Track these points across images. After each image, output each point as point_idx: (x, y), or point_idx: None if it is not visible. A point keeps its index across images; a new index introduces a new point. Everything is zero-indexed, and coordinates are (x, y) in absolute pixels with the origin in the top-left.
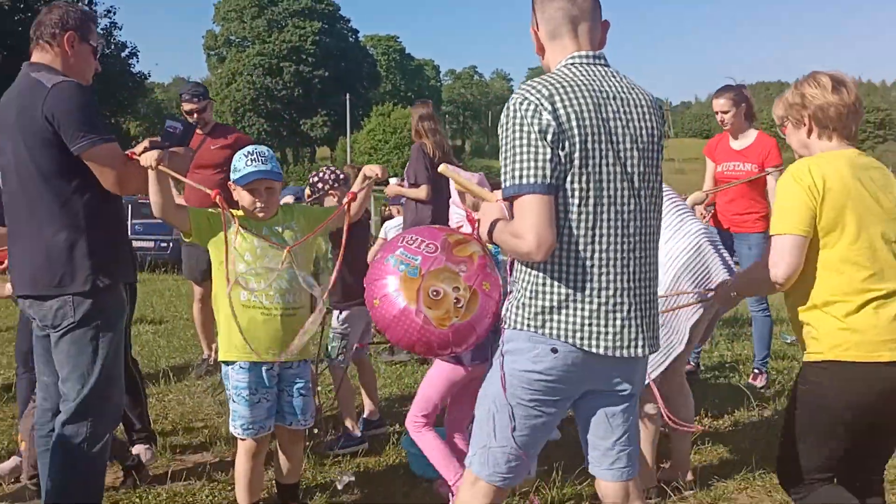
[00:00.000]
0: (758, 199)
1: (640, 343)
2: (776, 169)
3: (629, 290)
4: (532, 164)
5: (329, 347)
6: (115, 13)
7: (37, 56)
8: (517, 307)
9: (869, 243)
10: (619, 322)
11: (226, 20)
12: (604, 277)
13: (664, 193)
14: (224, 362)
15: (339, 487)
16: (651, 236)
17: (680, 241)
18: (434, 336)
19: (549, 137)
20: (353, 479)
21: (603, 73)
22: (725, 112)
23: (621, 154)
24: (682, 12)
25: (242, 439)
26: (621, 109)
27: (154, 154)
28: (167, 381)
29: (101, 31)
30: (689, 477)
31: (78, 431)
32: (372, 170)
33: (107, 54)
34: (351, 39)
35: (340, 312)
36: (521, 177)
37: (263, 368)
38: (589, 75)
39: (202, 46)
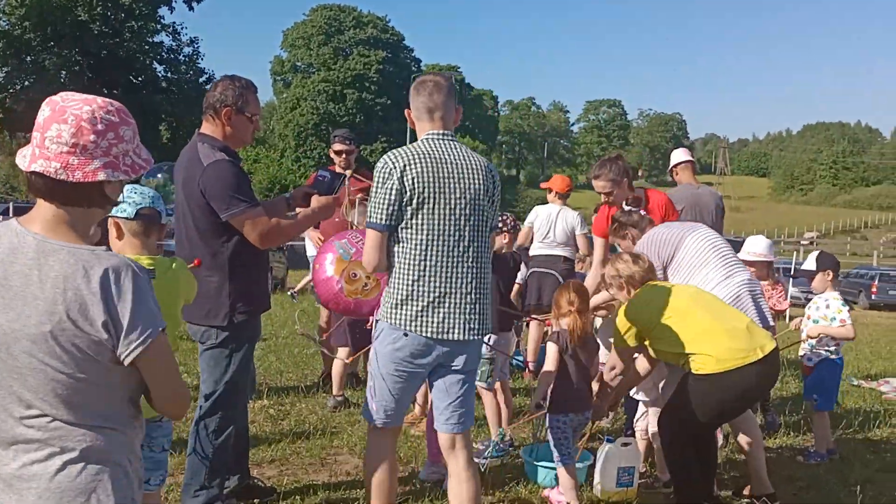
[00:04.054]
0: None
1: (458, 331)
2: None
3: (450, 294)
4: (378, 208)
5: (479, 371)
6: (199, 44)
7: (204, 127)
8: (382, 304)
9: None
10: (441, 315)
11: (293, 47)
12: (431, 283)
13: (716, 248)
14: None
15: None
16: (475, 258)
17: (724, 290)
18: (342, 300)
19: (393, 192)
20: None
21: (446, 145)
22: (609, 193)
23: (451, 201)
24: (739, 53)
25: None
26: (455, 171)
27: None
28: (289, 394)
29: (185, 59)
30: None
31: (208, 424)
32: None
33: (189, 80)
34: (413, 68)
35: (490, 337)
36: (371, 215)
37: None
38: (434, 147)
39: (269, 71)
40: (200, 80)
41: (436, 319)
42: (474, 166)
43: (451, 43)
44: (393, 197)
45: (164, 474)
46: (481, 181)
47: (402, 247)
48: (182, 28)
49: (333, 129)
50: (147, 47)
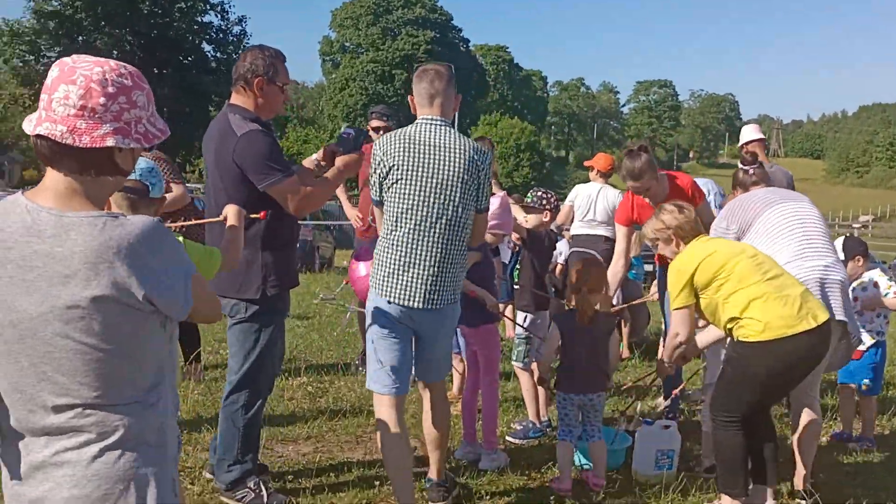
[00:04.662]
0: None
1: (418, 299)
2: None
3: (413, 264)
4: (375, 186)
5: (515, 351)
6: (246, 23)
7: (234, 98)
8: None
9: None
10: (403, 282)
11: (342, 27)
12: (397, 252)
13: (802, 224)
14: None
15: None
16: (441, 234)
17: (791, 271)
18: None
19: (379, 170)
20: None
21: (434, 129)
22: (647, 190)
23: (422, 180)
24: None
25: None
26: (431, 153)
27: (234, 212)
28: (329, 372)
29: (233, 39)
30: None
31: (238, 399)
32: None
33: (238, 60)
34: (462, 49)
35: (526, 317)
36: (373, 193)
37: None
38: (420, 130)
39: (318, 52)
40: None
41: (399, 286)
42: (456, 150)
43: (500, 23)
44: (377, 174)
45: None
46: (459, 164)
47: (383, 219)
48: (230, 7)
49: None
50: (196, 27)
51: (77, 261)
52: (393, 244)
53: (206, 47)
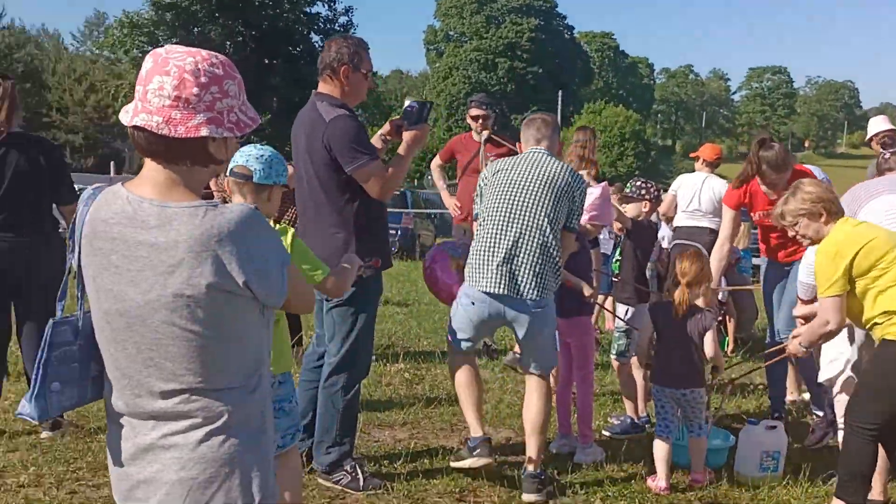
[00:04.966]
0: None
1: (502, 286)
2: None
3: (502, 252)
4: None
5: (615, 344)
6: (353, 13)
7: (321, 87)
8: None
9: None
10: (491, 272)
11: (446, 16)
12: (485, 242)
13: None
14: None
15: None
16: (530, 225)
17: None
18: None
19: (479, 182)
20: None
21: (533, 155)
22: (784, 183)
23: (506, 192)
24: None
25: None
26: (525, 171)
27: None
28: (426, 360)
29: (340, 29)
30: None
31: (337, 381)
32: None
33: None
34: (566, 36)
35: (627, 310)
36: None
37: None
38: (522, 156)
39: (422, 41)
40: None
41: (485, 275)
42: (543, 169)
43: (606, 9)
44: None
45: (294, 430)
46: (544, 181)
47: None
48: None
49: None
50: (304, 17)
51: (181, 250)
52: (482, 237)
53: (315, 38)
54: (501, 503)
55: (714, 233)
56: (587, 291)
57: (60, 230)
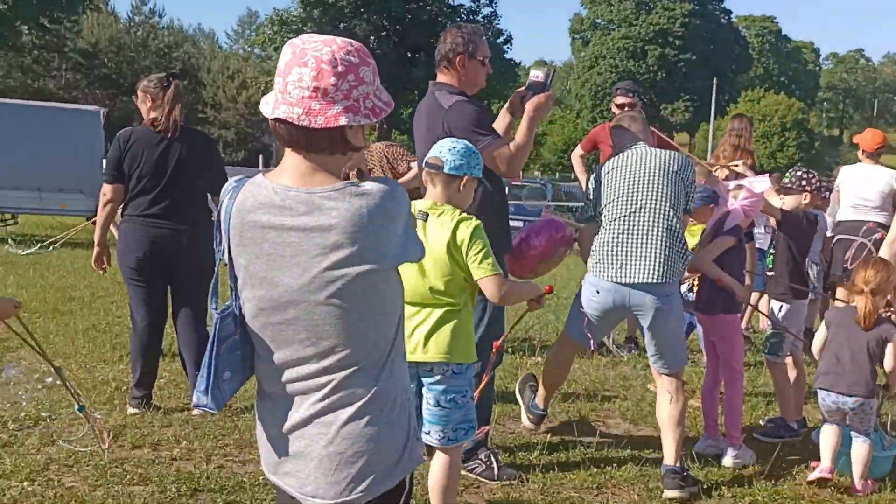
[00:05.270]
0: None
1: (629, 274)
2: None
3: (630, 242)
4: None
5: (768, 343)
6: (496, 4)
7: (439, 78)
8: None
9: None
10: (618, 261)
11: (594, 3)
12: (609, 234)
13: None
14: None
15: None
16: (653, 212)
17: None
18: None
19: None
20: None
21: (637, 149)
22: None
23: (625, 181)
24: None
25: None
26: (637, 161)
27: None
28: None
29: (484, 20)
30: None
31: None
32: None
33: (488, 41)
34: (723, 21)
35: (782, 307)
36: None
37: None
38: (631, 151)
39: (568, 30)
40: (499, 40)
41: (613, 266)
42: (654, 159)
43: None
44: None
45: (468, 426)
46: (655, 168)
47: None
48: None
49: None
50: (447, 10)
51: (334, 233)
52: (608, 227)
53: None
54: (641, 501)
55: (881, 227)
56: (739, 291)
57: (213, 219)
